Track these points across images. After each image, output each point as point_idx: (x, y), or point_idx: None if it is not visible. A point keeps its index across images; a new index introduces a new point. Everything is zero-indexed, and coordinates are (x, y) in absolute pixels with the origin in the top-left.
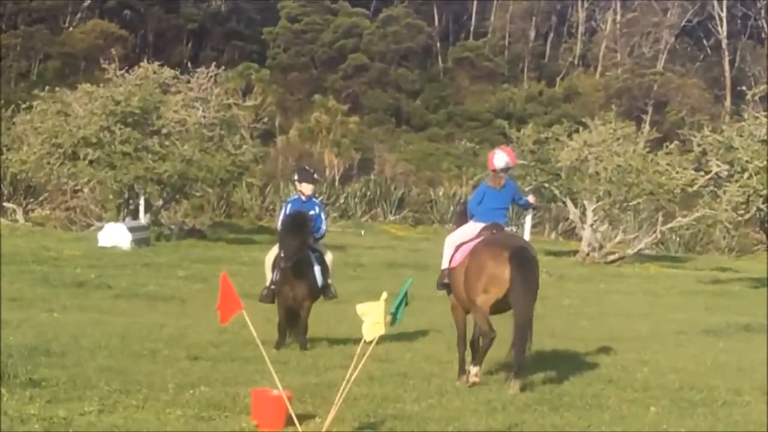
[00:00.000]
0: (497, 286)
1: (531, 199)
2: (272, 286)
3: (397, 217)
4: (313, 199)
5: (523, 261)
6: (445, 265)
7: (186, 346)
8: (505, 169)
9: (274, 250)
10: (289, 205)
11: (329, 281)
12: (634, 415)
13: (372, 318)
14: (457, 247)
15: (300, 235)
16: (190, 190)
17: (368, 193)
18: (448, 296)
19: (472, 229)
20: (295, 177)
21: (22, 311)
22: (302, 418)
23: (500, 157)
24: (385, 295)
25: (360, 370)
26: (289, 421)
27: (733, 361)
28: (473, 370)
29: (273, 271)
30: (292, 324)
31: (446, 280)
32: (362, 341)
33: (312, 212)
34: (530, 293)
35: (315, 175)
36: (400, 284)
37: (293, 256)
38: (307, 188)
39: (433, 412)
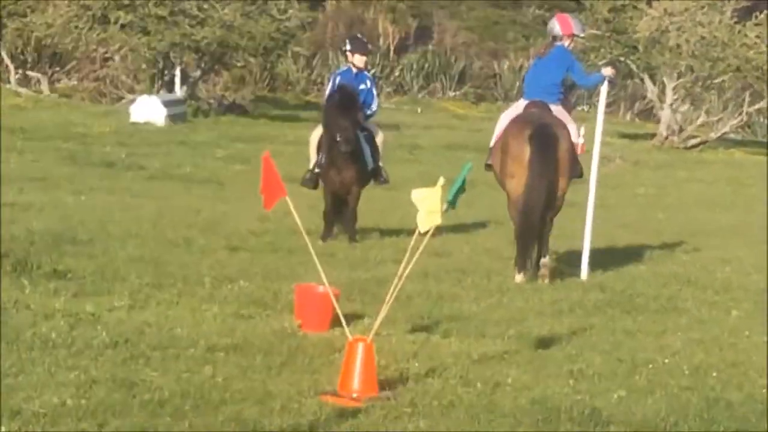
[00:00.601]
0: (521, 168)
1: (607, 71)
2: (316, 170)
3: (458, 93)
4: (365, 73)
5: (544, 139)
6: (491, 143)
7: (224, 234)
8: (556, 37)
9: (320, 129)
10: (339, 78)
11: (380, 164)
12: (714, 320)
13: (427, 206)
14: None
15: (351, 113)
16: (231, 59)
17: (426, 65)
18: None
19: (519, 105)
20: (347, 47)
21: (46, 193)
22: (350, 318)
23: (551, 24)
24: (442, 180)
25: (414, 265)
26: (336, 321)
27: None
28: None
29: (318, 152)
30: (339, 212)
31: (489, 161)
32: (416, 233)
33: (363, 86)
34: (544, 176)
35: (369, 46)
36: (460, 169)
37: (351, 140)
38: (359, 60)
39: (493, 313)
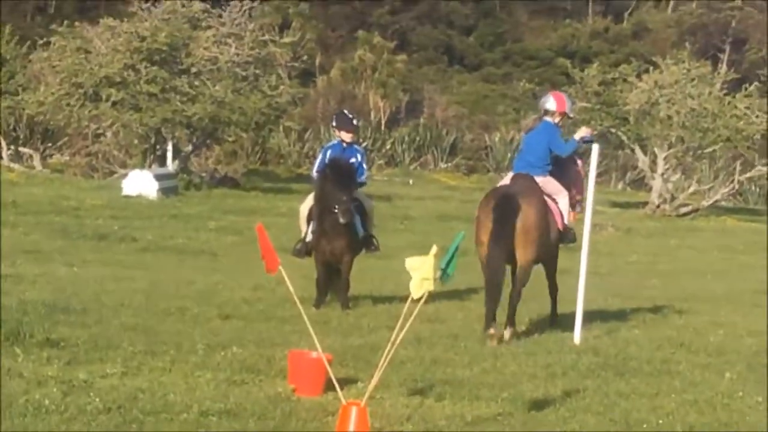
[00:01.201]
0: (486, 235)
1: (582, 132)
2: (307, 240)
3: (449, 164)
4: (355, 146)
5: (504, 209)
6: None
7: (217, 303)
8: (548, 112)
9: (310, 200)
10: (329, 152)
11: (371, 233)
12: (707, 382)
13: (420, 274)
14: None
15: (349, 186)
16: (222, 134)
17: (417, 138)
18: None
19: (507, 177)
20: (334, 123)
21: (39, 265)
22: (343, 382)
23: (546, 98)
24: (434, 249)
25: (407, 331)
26: (329, 386)
27: None
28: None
29: (308, 222)
30: (332, 281)
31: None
32: (409, 299)
33: (353, 160)
34: (500, 244)
35: (355, 121)
36: (452, 238)
37: (349, 212)
38: (346, 136)
39: (486, 377)
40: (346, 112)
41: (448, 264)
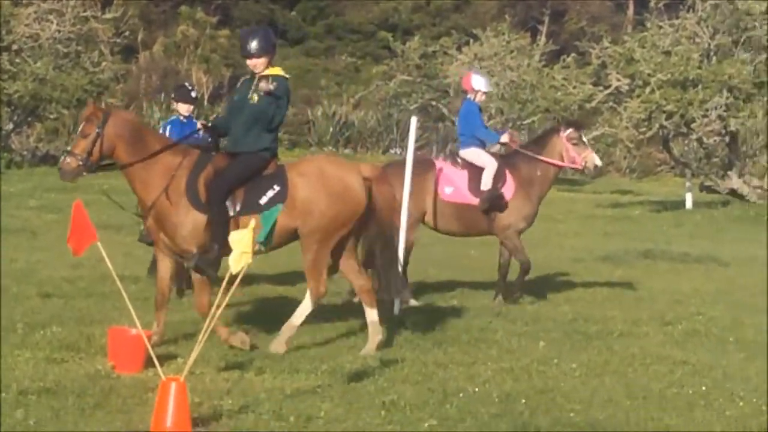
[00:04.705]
0: None
1: (505, 138)
2: None
3: None
4: (194, 120)
5: None
6: None
7: (37, 282)
8: (466, 92)
9: None
10: (169, 127)
11: None
12: (523, 349)
13: (239, 248)
14: None
15: None
16: (44, 112)
17: None
18: None
19: None
20: (173, 95)
21: None
22: (163, 358)
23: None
24: (253, 223)
25: (227, 306)
26: (149, 362)
27: (631, 290)
28: None
29: None
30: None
31: None
32: (228, 274)
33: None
34: None
35: (194, 94)
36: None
37: None
38: (183, 108)
39: (306, 350)
40: (186, 84)
41: (267, 236)
